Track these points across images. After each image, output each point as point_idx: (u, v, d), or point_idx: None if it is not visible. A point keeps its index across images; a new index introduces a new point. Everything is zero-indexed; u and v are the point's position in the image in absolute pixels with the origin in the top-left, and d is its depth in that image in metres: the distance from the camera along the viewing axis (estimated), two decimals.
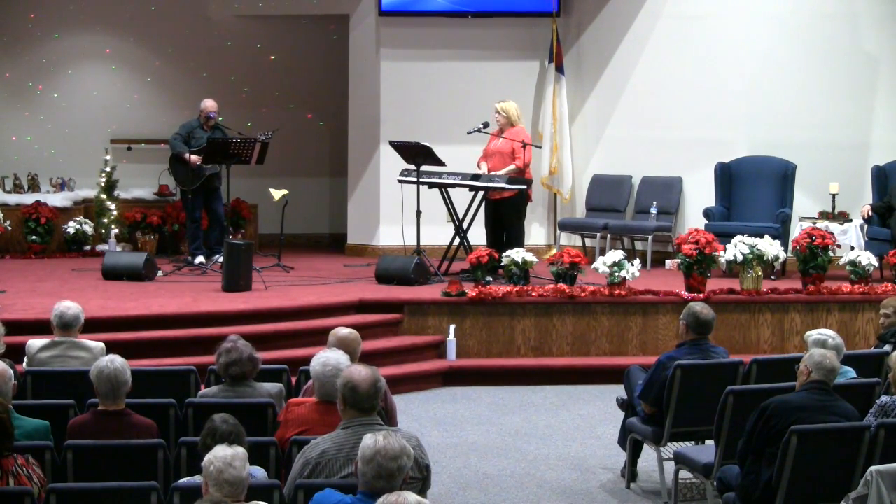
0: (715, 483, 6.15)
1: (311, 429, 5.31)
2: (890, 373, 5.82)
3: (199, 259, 12.04)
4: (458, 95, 13.22)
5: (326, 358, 5.49)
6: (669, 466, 6.72)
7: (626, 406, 7.32)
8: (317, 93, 14.80)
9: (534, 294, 10.15)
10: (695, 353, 6.80)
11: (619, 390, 7.81)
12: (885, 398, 5.80)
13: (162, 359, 8.77)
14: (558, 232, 13.17)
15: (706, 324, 6.82)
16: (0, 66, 14.22)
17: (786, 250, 11.02)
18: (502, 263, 10.48)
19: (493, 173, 11.20)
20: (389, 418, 5.83)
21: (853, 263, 10.48)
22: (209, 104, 12.01)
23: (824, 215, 11.65)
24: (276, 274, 11.52)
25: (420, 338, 10.04)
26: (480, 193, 11.32)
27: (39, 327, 7.99)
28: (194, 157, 11.78)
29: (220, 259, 11.20)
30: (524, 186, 11.15)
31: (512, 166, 11.19)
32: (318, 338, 8.60)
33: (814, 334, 6.59)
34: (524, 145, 11.27)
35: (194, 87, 14.13)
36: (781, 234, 11.46)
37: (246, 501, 4.32)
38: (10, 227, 12.87)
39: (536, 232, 13.54)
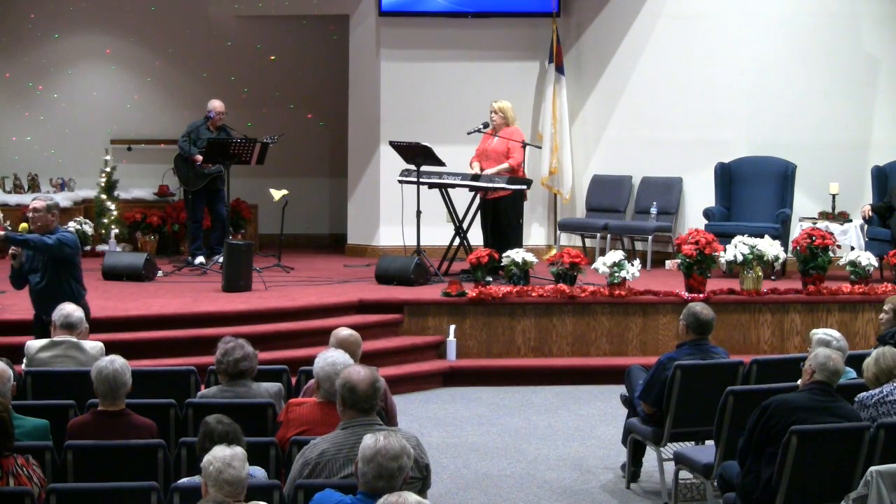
0: (715, 481, 6.15)
1: (312, 429, 5.32)
2: (865, 373, 5.86)
3: (200, 259, 12.05)
4: (458, 95, 13.22)
5: (334, 359, 5.49)
6: (669, 466, 6.73)
7: (630, 403, 7.32)
8: (317, 93, 14.80)
9: (534, 294, 10.15)
10: (695, 354, 6.81)
11: (618, 390, 7.81)
12: (861, 394, 5.83)
13: (162, 359, 8.77)
14: (558, 232, 13.17)
15: (706, 324, 6.82)
16: (0, 66, 14.22)
17: (786, 250, 11.02)
18: (502, 264, 10.48)
19: (489, 171, 11.18)
20: (389, 418, 5.83)
21: (853, 264, 10.48)
22: (214, 104, 12.01)
23: (824, 215, 11.65)
24: (276, 274, 11.52)
25: (420, 338, 10.04)
26: (480, 194, 11.31)
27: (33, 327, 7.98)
28: (199, 158, 11.79)
29: (221, 259, 11.20)
30: (524, 186, 11.16)
31: (504, 164, 11.18)
32: (319, 338, 8.63)
33: (819, 333, 6.58)
34: (524, 145, 11.28)
35: (194, 87, 14.14)
36: (781, 235, 11.46)
37: (246, 501, 4.32)
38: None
39: (536, 232, 13.55)
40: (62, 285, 7.77)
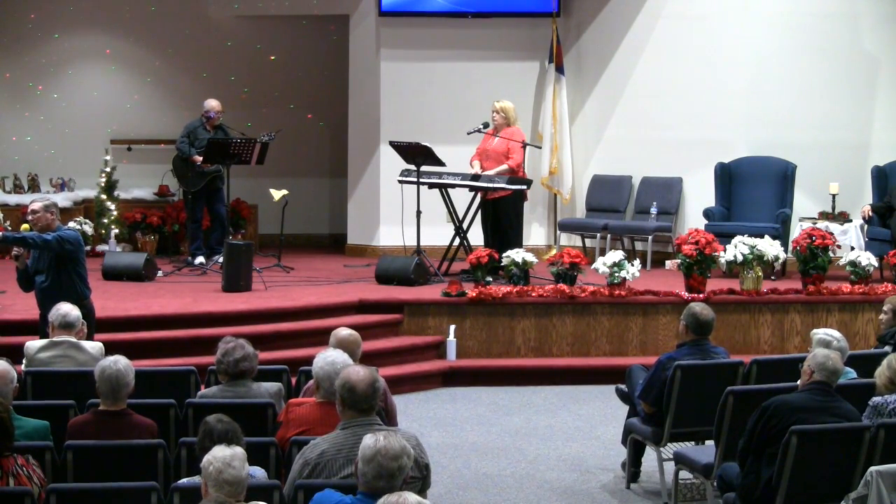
0: (715, 482, 6.15)
1: (312, 429, 5.32)
2: (879, 378, 5.86)
3: (200, 259, 12.06)
4: (458, 95, 13.22)
5: (333, 358, 5.50)
6: (669, 466, 6.73)
7: (627, 397, 7.34)
8: (317, 93, 14.80)
9: (534, 294, 10.15)
10: (695, 354, 6.81)
11: None
12: (876, 398, 5.82)
13: (162, 359, 8.77)
14: (558, 232, 13.17)
15: (706, 324, 6.82)
16: (0, 66, 14.22)
17: (786, 251, 11.02)
18: (502, 264, 10.48)
19: (487, 173, 11.18)
20: (389, 418, 5.83)
21: (853, 264, 10.48)
22: (212, 104, 12.03)
23: (824, 216, 11.65)
24: (276, 274, 11.52)
25: (420, 338, 10.05)
26: (480, 194, 11.31)
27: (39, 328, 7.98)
28: (198, 159, 11.80)
29: (221, 259, 11.21)
30: (524, 186, 11.16)
31: (504, 166, 11.18)
32: (319, 338, 8.62)
33: (820, 333, 6.58)
34: (524, 145, 11.28)
35: (194, 87, 14.13)
36: (781, 235, 11.46)
37: (246, 501, 4.32)
38: (10, 228, 12.85)
39: (536, 232, 13.54)
40: (67, 285, 7.78)
